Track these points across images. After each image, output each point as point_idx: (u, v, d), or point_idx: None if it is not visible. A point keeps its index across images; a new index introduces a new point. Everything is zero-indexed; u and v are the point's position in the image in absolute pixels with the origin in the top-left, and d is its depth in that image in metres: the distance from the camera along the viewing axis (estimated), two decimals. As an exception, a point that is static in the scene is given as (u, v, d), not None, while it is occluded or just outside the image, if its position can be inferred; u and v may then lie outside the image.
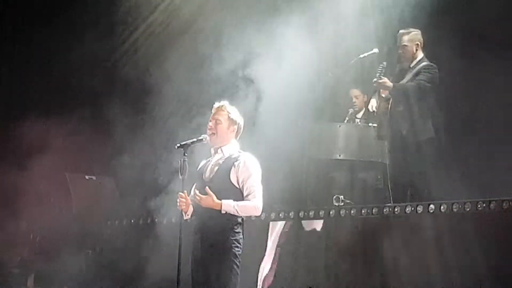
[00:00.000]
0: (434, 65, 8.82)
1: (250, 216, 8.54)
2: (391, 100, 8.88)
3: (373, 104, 9.29)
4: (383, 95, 8.93)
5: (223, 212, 6.71)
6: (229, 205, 6.72)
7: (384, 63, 8.90)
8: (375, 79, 8.77)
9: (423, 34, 8.94)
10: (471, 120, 9.55)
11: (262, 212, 8.91)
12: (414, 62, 8.90)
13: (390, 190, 8.95)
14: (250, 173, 6.80)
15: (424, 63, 8.83)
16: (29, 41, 11.43)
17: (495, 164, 9.05)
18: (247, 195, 6.77)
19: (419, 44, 8.92)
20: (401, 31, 8.97)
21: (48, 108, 10.66)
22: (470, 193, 8.55)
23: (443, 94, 9.01)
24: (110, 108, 10.17)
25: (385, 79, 8.76)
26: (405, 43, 8.88)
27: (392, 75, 8.98)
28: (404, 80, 8.86)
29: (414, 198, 8.64)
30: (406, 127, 8.82)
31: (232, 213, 6.72)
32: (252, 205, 6.77)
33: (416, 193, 8.76)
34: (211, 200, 6.72)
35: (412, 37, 8.89)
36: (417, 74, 8.81)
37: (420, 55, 8.91)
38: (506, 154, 9.02)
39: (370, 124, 9.42)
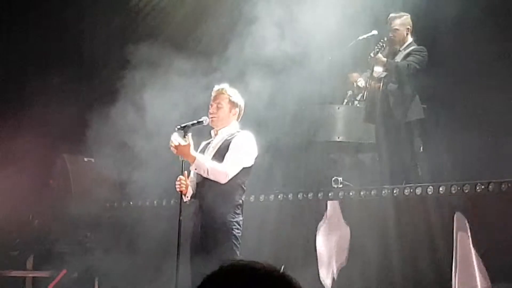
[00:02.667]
0: (424, 48, 8.95)
1: (249, 198, 8.61)
2: (382, 80, 8.96)
3: (361, 81, 9.33)
4: (375, 75, 9.00)
5: (193, 167, 6.69)
6: (201, 162, 6.68)
7: (385, 38, 8.95)
8: (371, 54, 8.83)
9: (412, 18, 9.03)
10: (458, 103, 9.56)
11: (261, 194, 9.04)
12: (404, 45, 9.03)
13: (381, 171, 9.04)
14: (237, 145, 6.78)
15: (414, 46, 8.93)
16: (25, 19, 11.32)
17: (481, 147, 9.06)
18: (223, 162, 6.75)
19: (409, 28, 9.07)
20: (392, 14, 9.10)
21: (47, 89, 10.60)
22: (458, 175, 8.58)
23: (432, 77, 9.08)
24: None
25: (380, 55, 8.84)
26: (396, 27, 9.05)
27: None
28: None
29: (406, 180, 8.69)
30: (397, 106, 8.90)
31: (202, 172, 6.68)
32: (222, 170, 6.71)
33: (406, 174, 8.82)
34: (187, 149, 6.69)
35: (404, 21, 9.05)
36: (407, 56, 8.93)
37: (410, 39, 9.06)
38: (489, 139, 9.03)
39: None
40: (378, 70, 9.01)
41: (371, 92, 9.10)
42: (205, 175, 6.69)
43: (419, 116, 8.99)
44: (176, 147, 6.70)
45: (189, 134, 6.74)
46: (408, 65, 8.85)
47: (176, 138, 6.73)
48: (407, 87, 8.93)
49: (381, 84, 8.99)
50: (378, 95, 9.01)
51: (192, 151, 6.69)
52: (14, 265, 10.28)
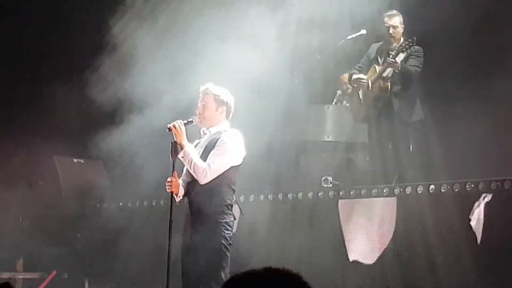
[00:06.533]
0: (421, 49, 8.86)
1: (239, 198, 8.61)
2: (390, 80, 8.87)
3: (350, 89, 9.26)
4: (384, 75, 8.90)
5: (181, 155, 6.73)
6: (188, 153, 6.75)
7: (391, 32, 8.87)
8: (389, 58, 8.72)
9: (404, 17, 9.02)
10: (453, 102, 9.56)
11: (251, 194, 9.04)
12: (399, 45, 8.91)
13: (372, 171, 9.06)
14: (221, 145, 6.78)
15: (412, 47, 8.83)
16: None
17: (472, 146, 9.09)
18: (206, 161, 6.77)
19: (403, 27, 8.97)
20: (389, 12, 8.99)
21: (36, 88, 10.57)
22: (448, 175, 8.62)
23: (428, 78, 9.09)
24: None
25: (399, 61, 8.71)
26: (396, 24, 8.93)
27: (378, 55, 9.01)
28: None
29: (400, 180, 8.71)
30: (402, 108, 8.87)
31: (187, 162, 6.75)
32: (202, 169, 6.72)
33: (397, 174, 8.83)
34: (180, 136, 6.77)
35: (401, 19, 8.94)
36: (407, 57, 8.82)
37: (402, 39, 8.95)
38: (480, 139, 9.04)
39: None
40: (388, 70, 8.90)
41: (375, 91, 8.97)
42: (188, 167, 6.73)
43: (421, 117, 8.98)
44: (172, 128, 6.76)
45: (179, 122, 6.81)
46: (415, 71, 8.80)
47: (177, 122, 6.80)
48: (411, 88, 8.89)
49: (389, 83, 8.89)
50: (385, 94, 8.89)
51: (185, 139, 6.76)
52: (4, 267, 10.25)
